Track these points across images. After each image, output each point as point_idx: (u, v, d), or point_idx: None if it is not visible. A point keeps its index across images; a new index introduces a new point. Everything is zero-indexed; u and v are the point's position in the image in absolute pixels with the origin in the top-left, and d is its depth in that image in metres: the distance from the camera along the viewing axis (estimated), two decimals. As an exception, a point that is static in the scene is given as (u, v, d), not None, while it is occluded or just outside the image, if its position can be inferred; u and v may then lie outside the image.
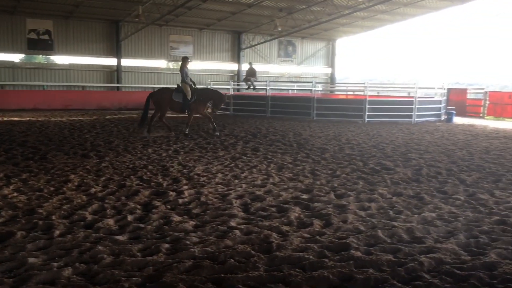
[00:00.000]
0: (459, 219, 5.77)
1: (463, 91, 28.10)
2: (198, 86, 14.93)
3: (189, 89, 13.98)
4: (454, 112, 22.40)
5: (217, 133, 14.15)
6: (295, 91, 30.69)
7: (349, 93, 29.31)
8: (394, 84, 45.01)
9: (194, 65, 31.77)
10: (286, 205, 6.27)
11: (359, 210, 6.15)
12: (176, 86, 14.43)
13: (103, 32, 28.89)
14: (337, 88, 34.47)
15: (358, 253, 4.45)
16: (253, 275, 3.90)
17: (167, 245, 4.63)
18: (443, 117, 22.42)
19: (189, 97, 13.93)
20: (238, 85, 30.49)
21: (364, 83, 22.64)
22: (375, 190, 7.29)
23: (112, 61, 29.45)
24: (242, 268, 4.08)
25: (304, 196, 6.81)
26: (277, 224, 5.40)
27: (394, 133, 15.97)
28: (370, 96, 21.73)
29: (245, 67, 29.82)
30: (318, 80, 35.62)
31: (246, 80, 25.41)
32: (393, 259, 4.35)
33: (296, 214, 5.83)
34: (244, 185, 7.46)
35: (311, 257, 4.35)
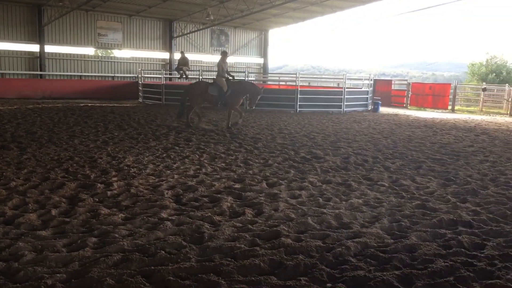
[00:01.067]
0: (383, 204, 6.05)
1: (389, 82, 29.42)
2: (236, 78, 14.72)
3: (224, 82, 13.70)
4: (380, 102, 23.44)
5: (231, 129, 13.50)
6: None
7: (281, 83, 29.72)
8: (324, 75, 46.22)
9: (123, 53, 30.75)
10: (219, 195, 6.27)
11: (290, 198, 6.27)
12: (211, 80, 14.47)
13: (24, 16, 27.11)
14: (269, 78, 34.81)
15: (289, 240, 4.54)
16: (184, 266, 3.86)
17: (94, 239, 4.47)
18: (370, 107, 23.36)
19: (224, 90, 13.60)
20: (170, 74, 29.92)
21: (295, 74, 23.04)
22: (305, 178, 7.46)
23: (34, 47, 27.73)
24: (173, 259, 4.02)
25: (237, 186, 6.84)
26: (209, 214, 5.38)
27: (324, 122, 16.42)
28: (301, 86, 22.16)
29: (177, 56, 29.27)
30: (251, 70, 35.75)
31: (178, 69, 24.94)
32: (322, 244, 4.48)
33: (229, 204, 5.84)
34: (176, 176, 7.36)
35: (242, 246, 4.38)
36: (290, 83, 26.85)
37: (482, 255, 4.36)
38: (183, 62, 24.53)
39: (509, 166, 9.00)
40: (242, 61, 37.26)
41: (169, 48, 32.80)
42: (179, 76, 25.23)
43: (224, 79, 13.73)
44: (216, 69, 14.13)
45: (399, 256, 4.22)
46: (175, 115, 15.35)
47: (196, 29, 32.00)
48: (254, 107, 14.38)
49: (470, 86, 31.86)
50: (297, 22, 34.77)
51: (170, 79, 29.54)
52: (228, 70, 14.19)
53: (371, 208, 5.88)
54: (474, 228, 5.18)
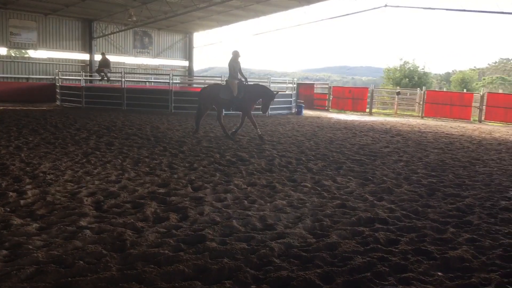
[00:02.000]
0: (306, 205, 6.21)
1: (311, 86, 30.34)
2: (249, 82, 13.54)
3: (235, 85, 12.68)
4: (303, 105, 24.11)
5: (263, 137, 12.78)
6: (152, 83, 29.99)
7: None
8: (249, 78, 46.66)
9: (39, 54, 29.08)
10: (142, 201, 6.10)
11: (215, 201, 6.25)
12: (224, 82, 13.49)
13: None
14: (195, 81, 34.56)
15: (214, 244, 4.52)
16: (105, 275, 3.71)
17: (5, 252, 4.17)
18: (293, 110, 23.93)
19: (235, 94, 12.62)
20: (90, 76, 28.75)
21: (221, 77, 23.06)
22: (231, 181, 7.48)
23: None
24: (92, 269, 3.85)
25: (161, 190, 6.71)
26: (132, 220, 5.22)
27: (249, 125, 16.56)
28: (227, 89, 22.21)
29: (97, 57, 28.19)
30: (176, 73, 35.29)
31: (99, 71, 24.00)
32: (246, 247, 4.51)
33: (152, 209, 5.71)
34: (96, 182, 7.07)
35: (166, 251, 4.29)
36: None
37: (397, 250, 4.61)
38: (104, 63, 23.66)
39: (420, 165, 9.61)
40: (167, 63, 36.70)
41: (89, 49, 31.51)
42: (100, 78, 24.31)
43: (236, 81, 12.73)
44: (230, 71, 13.05)
45: (320, 255, 4.36)
46: (194, 125, 13.94)
47: (117, 30, 31.05)
48: (267, 113, 13.34)
49: (385, 90, 33.67)
50: (222, 25, 34.87)
51: (91, 81, 28.42)
52: (242, 71, 13.08)
53: (294, 209, 6.01)
54: (390, 225, 5.47)
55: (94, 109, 20.67)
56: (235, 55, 12.98)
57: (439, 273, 4.12)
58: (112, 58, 27.64)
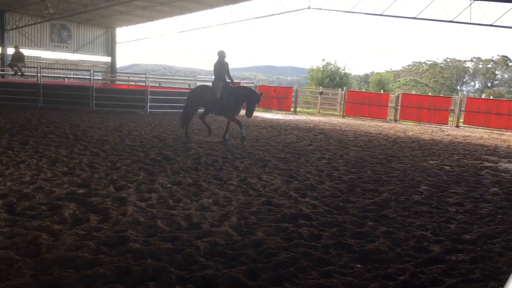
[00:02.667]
0: (232, 202, 6.23)
1: (237, 85, 30.48)
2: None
3: (220, 87, 11.99)
4: (230, 104, 24.16)
5: (245, 143, 12.12)
6: (72, 79, 28.62)
7: (131, 83, 28.78)
8: (175, 76, 46.02)
9: None
10: (59, 202, 5.79)
11: (139, 201, 6.09)
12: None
13: None
14: (118, 78, 33.46)
15: (137, 245, 4.39)
16: (17, 282, 3.47)
17: None
18: (220, 109, 23.90)
19: (218, 96, 11.97)
20: (2, 70, 26.83)
21: (145, 74, 22.52)
22: (155, 180, 7.32)
23: None
24: (3, 276, 3.59)
25: (81, 191, 6.41)
26: (48, 223, 4.93)
27: (175, 123, 16.31)
28: (152, 87, 21.75)
29: (10, 50, 26.38)
30: (97, 69, 33.96)
31: (11, 65, 22.45)
32: (171, 247, 4.43)
33: (71, 211, 5.44)
34: (9, 183, 6.60)
35: (86, 255, 4.11)
36: (140, 83, 26.14)
37: (319, 245, 4.76)
38: (18, 57, 22.16)
39: (341, 163, 9.99)
40: (87, 59, 35.22)
41: (0, 41, 29.43)
42: (13, 73, 22.75)
43: (222, 83, 12.05)
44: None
45: (246, 252, 4.38)
46: (178, 123, 13.21)
47: (33, 22, 29.30)
48: (251, 116, 12.52)
49: (309, 90, 34.65)
50: (146, 21, 34.08)
51: (3, 76, 26.54)
52: (229, 72, 12.33)
53: (220, 207, 6.00)
54: (313, 220, 5.63)
55: (7, 106, 19.29)
56: (221, 55, 12.29)
57: (358, 265, 4.30)
58: (26, 52, 26.02)
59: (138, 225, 5.05)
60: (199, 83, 24.00)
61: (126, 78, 31.94)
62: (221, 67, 12.14)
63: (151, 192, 6.59)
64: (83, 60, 34.79)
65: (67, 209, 5.46)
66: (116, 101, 20.20)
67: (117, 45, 37.30)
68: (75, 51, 34.07)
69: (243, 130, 12.26)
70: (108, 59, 36.86)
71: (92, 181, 7.01)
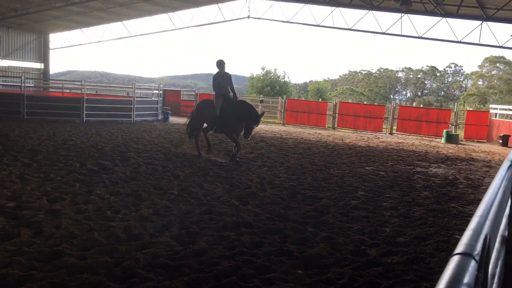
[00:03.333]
0: (173, 212, 6.13)
1: (178, 92, 30.19)
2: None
3: (219, 103, 10.73)
4: (170, 112, 23.85)
5: (240, 163, 10.58)
6: (1, 87, 27.08)
7: (65, 91, 27.66)
8: (113, 84, 44.85)
9: None
10: (-13, 217, 5.44)
11: (74, 213, 5.84)
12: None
13: None
14: (51, 85, 32.05)
15: (72, 259, 4.21)
16: None
17: None
18: (160, 117, 23.54)
19: (217, 113, 10.71)
20: None
21: (81, 81, 21.75)
22: (92, 191, 7.06)
23: None
24: None
25: (10, 204, 6.06)
26: (-26, 239, 4.62)
27: (113, 132, 15.87)
28: (88, 95, 21.05)
29: None
30: (29, 76, 32.37)
31: None
32: (109, 260, 4.29)
33: (0, 225, 5.12)
34: None
35: (16, 271, 3.88)
36: (75, 91, 25.20)
37: (261, 252, 4.78)
38: None
39: (282, 170, 10.13)
40: (18, 65, 33.46)
41: None
42: None
43: (221, 98, 10.77)
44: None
45: (187, 262, 4.32)
46: (188, 135, 11.85)
47: (-43, 25, 27.50)
48: (249, 138, 11.13)
49: (250, 98, 34.92)
50: (82, 27, 32.99)
51: None
52: (232, 85, 10.98)
53: (161, 217, 5.89)
54: (254, 228, 5.65)
55: None
56: (220, 66, 10.95)
57: (299, 271, 4.36)
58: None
59: (74, 238, 4.84)
60: (138, 91, 23.53)
61: (61, 85, 30.65)
62: (221, 79, 10.85)
63: (87, 203, 6.35)
64: (13, 67, 33.03)
65: (-5, 224, 5.14)
66: (49, 109, 19.34)
67: (50, 51, 35.75)
68: (4, 57, 32.28)
69: (239, 153, 10.93)
70: (40, 65, 35.24)
71: (23, 194, 6.65)
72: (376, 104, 31.30)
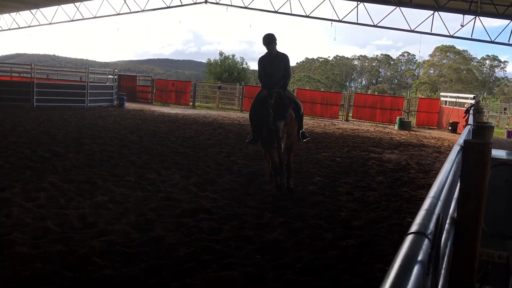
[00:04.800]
0: (130, 199, 6.03)
1: (134, 78, 29.52)
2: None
3: (273, 101, 6.58)
4: (126, 97, 23.31)
5: (291, 186, 7.08)
6: None
7: (14, 75, 26.47)
8: (65, 68, 43.32)
9: None
10: None
11: (25, 201, 5.64)
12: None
13: None
14: (-1, 68, 30.58)
15: (24, 249, 4.08)
16: None
17: None
18: (115, 103, 22.99)
19: (271, 116, 6.55)
20: None
21: (31, 65, 20.88)
22: (44, 178, 6.83)
23: None
24: None
25: (-44, 193, 5.77)
26: None
27: (66, 118, 15.37)
28: (38, 79, 20.25)
29: None
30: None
31: None
32: (63, 248, 4.18)
33: None
34: None
35: (-36, 263, 3.72)
36: (24, 75, 24.17)
37: (219, 238, 4.79)
38: None
39: (240, 156, 10.15)
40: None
41: None
42: None
43: (276, 93, 6.69)
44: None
45: (145, 250, 4.28)
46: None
47: None
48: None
49: (208, 84, 34.65)
50: (31, 8, 31.55)
51: None
52: (288, 73, 7.39)
53: (117, 205, 5.78)
54: (213, 214, 5.65)
55: None
56: (269, 42, 7.15)
57: (258, 256, 4.41)
58: None
59: (25, 227, 4.68)
60: (91, 76, 22.81)
61: (9, 69, 29.31)
62: (273, 63, 7.22)
63: (39, 191, 6.14)
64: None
65: None
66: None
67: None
68: None
69: (291, 180, 7.14)
70: (-14, 47, 33.55)
71: (-31, 182, 6.35)
72: (332, 91, 31.80)
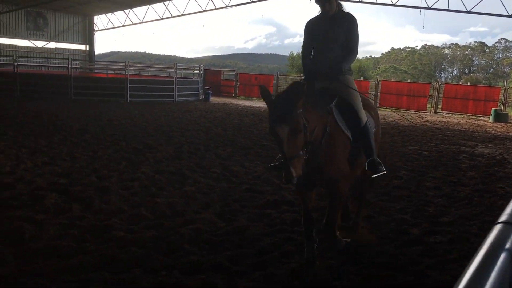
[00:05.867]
0: (216, 190, 6.27)
1: (218, 72, 30.38)
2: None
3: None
4: (211, 92, 24.09)
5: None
6: (49, 68, 28.08)
7: (109, 72, 28.39)
8: (155, 65, 45.55)
9: None
10: (41, 192, 5.75)
11: (122, 190, 6.08)
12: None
13: None
14: (96, 66, 32.96)
15: (121, 233, 4.41)
16: (1, 271, 3.47)
17: None
18: (201, 97, 23.83)
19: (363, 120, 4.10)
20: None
21: (125, 62, 22.25)
22: (138, 169, 7.30)
23: None
24: (-13, 267, 3.58)
25: (62, 181, 6.36)
26: (31, 213, 4.91)
27: (156, 112, 16.23)
28: (131, 75, 21.54)
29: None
30: (75, 57, 33.36)
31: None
32: (155, 234, 4.46)
33: (53, 200, 5.41)
34: (-12, 174, 6.52)
35: (70, 243, 4.11)
36: (119, 72, 25.83)
37: (302, 230, 4.83)
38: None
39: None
40: (64, 47, 34.53)
41: (-26, 29, 28.67)
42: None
43: (333, 86, 4.11)
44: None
45: (230, 238, 4.44)
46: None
47: (7, 9, 28.54)
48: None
49: (290, 77, 34.69)
50: (125, 8, 33.56)
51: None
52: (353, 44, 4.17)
53: (204, 195, 6.04)
54: (295, 206, 5.70)
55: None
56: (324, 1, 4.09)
57: (340, 249, 4.39)
58: (1, 40, 25.35)
59: (122, 213, 5.06)
60: (179, 72, 23.79)
61: (105, 66, 31.47)
62: (328, 30, 4.17)
63: (133, 180, 6.58)
64: (60, 48, 34.11)
65: (49, 199, 5.43)
66: (95, 90, 19.94)
67: (95, 32, 36.70)
68: (51, 39, 33.37)
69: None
70: (85, 47, 36.24)
71: (73, 171, 6.96)
72: (420, 82, 30.43)
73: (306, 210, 4.00)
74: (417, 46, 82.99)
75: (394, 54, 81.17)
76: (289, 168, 3.26)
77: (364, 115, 4.12)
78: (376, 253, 4.28)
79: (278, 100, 3.46)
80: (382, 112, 21.72)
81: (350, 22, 4.14)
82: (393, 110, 20.25)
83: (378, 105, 24.22)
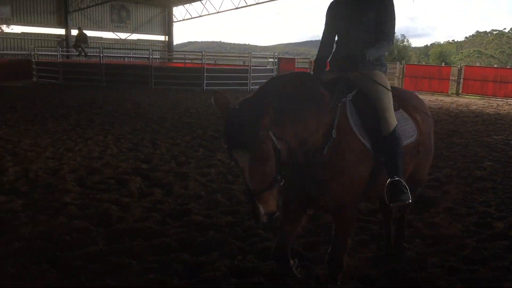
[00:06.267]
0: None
1: (292, 60, 30.25)
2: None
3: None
4: (284, 80, 24.07)
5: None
6: (131, 59, 29.50)
7: (187, 61, 29.29)
8: (230, 53, 46.30)
9: (13, 29, 28.17)
10: (126, 176, 6.11)
11: (199, 176, 6.30)
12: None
13: None
14: (175, 56, 34.13)
15: (199, 218, 4.59)
16: (92, 250, 3.76)
17: (-10, 229, 4.17)
18: (275, 85, 23.87)
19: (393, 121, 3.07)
20: (67, 51, 28.11)
21: (201, 52, 22.83)
22: (214, 156, 7.52)
23: None
24: (79, 244, 3.90)
25: (144, 166, 6.71)
26: (117, 196, 5.25)
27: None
28: (207, 64, 22.07)
29: (74, 32, 27.51)
30: (155, 48, 34.73)
31: (76, 46, 23.49)
32: (231, 219, 4.60)
33: (137, 185, 5.74)
34: (78, 158, 7.04)
35: (152, 225, 4.36)
36: (196, 61, 26.58)
37: (376, 219, 4.76)
38: (81, 38, 23.16)
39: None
40: (145, 38, 36.05)
41: (64, 23, 30.73)
42: (77, 53, 23.84)
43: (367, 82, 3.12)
44: None
45: (307, 226, 4.46)
46: None
47: (94, 3, 30.27)
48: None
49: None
50: (201, -1, 34.32)
51: (68, 56, 27.79)
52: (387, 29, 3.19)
53: (277, 182, 6.09)
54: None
55: (72, 85, 20.29)
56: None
57: (418, 240, 4.27)
58: (89, 33, 26.95)
59: (199, 199, 5.26)
60: (253, 60, 24.00)
61: (183, 56, 32.50)
62: (353, 11, 3.22)
63: (210, 167, 6.80)
64: (141, 40, 35.67)
65: (133, 183, 5.76)
66: (173, 79, 20.69)
67: (173, 23, 37.96)
68: (133, 31, 34.99)
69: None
70: (165, 38, 37.61)
71: (154, 157, 7.32)
72: (508, 67, 28.38)
73: (281, 232, 3.17)
74: (505, 28, 77.35)
75: (479, 37, 76.22)
76: (255, 205, 2.43)
77: (393, 118, 3.05)
78: (457, 246, 4.11)
79: (235, 115, 2.53)
80: (465, 99, 20.57)
81: (383, 2, 3.18)
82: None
83: (461, 91, 22.93)
